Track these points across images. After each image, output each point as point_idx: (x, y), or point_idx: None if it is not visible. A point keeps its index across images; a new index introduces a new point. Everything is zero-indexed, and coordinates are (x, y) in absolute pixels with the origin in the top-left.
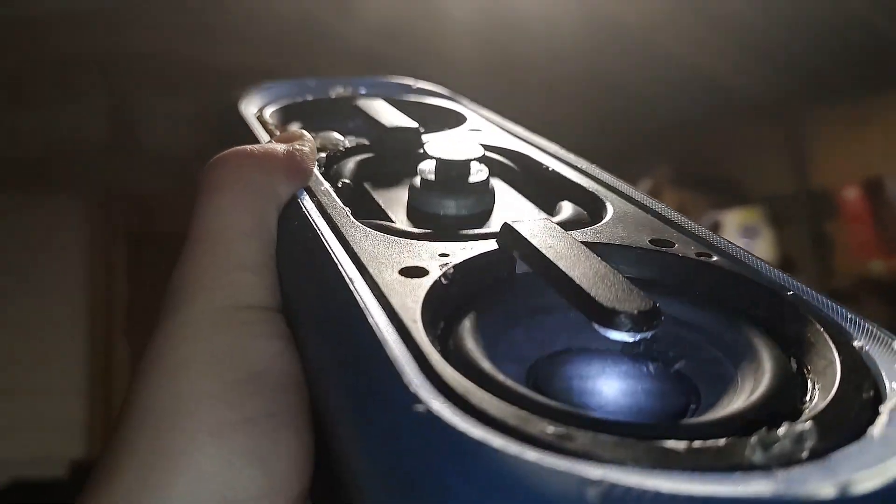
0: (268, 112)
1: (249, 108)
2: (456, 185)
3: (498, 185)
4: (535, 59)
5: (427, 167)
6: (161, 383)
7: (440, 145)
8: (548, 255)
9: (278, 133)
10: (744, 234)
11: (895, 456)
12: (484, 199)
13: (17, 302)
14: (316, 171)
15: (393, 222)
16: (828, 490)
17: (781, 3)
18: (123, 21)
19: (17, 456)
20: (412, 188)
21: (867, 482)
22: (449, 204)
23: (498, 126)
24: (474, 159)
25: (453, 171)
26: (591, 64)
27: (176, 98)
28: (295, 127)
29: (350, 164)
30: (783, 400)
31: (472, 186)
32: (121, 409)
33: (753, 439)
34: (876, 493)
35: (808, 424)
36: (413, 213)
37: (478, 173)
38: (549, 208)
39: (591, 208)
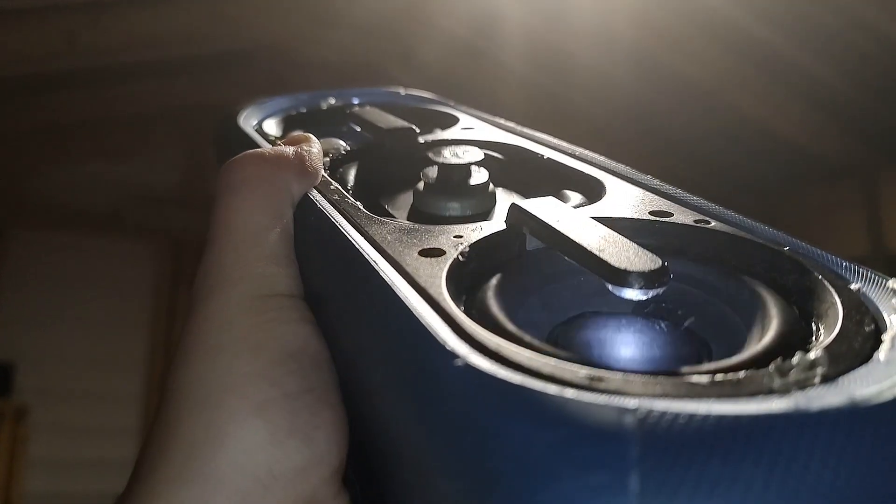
0: (266, 124)
1: (249, 121)
2: (458, 188)
3: (499, 188)
4: (593, 111)
5: (430, 172)
6: (203, 365)
7: (442, 151)
8: (558, 228)
9: (279, 142)
10: None
11: None
12: (485, 200)
13: (81, 337)
14: (323, 172)
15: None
16: (840, 402)
17: (856, 63)
18: (209, 75)
19: (69, 489)
20: (416, 192)
21: (875, 394)
22: (452, 206)
23: (489, 123)
24: (475, 163)
25: (455, 175)
26: (658, 127)
27: None
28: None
29: (353, 167)
30: (792, 338)
31: (473, 189)
32: (161, 396)
33: (770, 368)
34: (883, 405)
35: (820, 352)
36: (416, 216)
37: (478, 175)
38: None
39: (590, 189)
